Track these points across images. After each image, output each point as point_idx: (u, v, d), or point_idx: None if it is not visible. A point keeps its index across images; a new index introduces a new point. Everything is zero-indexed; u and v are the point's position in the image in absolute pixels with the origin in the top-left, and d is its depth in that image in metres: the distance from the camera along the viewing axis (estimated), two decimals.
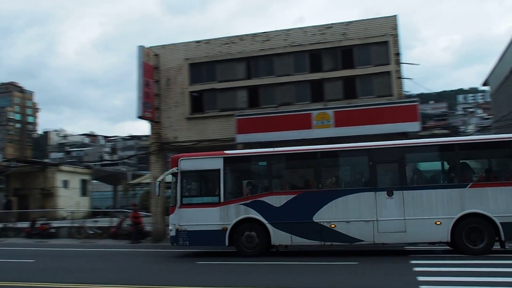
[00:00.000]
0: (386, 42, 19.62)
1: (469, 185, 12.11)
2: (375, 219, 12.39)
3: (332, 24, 20.58)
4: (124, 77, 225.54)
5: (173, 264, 13.01)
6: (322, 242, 12.80)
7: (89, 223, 24.21)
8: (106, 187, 52.17)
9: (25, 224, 24.24)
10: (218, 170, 13.78)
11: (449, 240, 11.96)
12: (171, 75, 22.56)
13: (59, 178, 37.58)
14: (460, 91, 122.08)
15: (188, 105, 22.18)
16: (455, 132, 32.91)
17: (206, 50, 22.21)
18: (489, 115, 53.00)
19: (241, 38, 21.85)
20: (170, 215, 14.07)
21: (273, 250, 13.68)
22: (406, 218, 12.17)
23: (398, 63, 19.35)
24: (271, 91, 21.24)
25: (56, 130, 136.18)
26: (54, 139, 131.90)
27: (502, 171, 12.84)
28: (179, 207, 13.86)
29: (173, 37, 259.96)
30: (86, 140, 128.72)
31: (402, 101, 18.84)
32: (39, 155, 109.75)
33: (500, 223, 11.51)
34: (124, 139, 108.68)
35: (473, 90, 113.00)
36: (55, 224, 24.88)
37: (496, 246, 12.11)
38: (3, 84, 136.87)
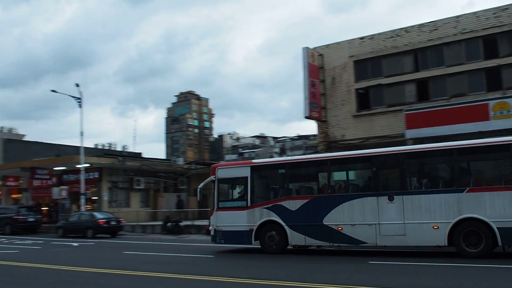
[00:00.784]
0: None
1: (466, 190, 12.18)
2: (377, 222, 12.97)
3: (508, 5, 19.36)
4: (290, 79, 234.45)
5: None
6: (331, 244, 13.91)
7: None
8: None
9: (205, 222, 26.91)
10: (246, 177, 15.45)
11: (446, 244, 12.11)
12: (336, 73, 23.47)
13: None
14: None
15: (354, 103, 22.87)
16: None
17: (371, 45, 22.66)
18: None
19: (406, 30, 21.85)
20: (210, 217, 16.06)
21: (290, 248, 14.92)
22: (405, 222, 12.61)
23: None
24: (441, 82, 20.86)
25: (229, 133, 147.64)
26: (228, 142, 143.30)
27: (499, 175, 12.61)
28: (216, 210, 15.75)
29: (335, 36, 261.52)
30: (257, 141, 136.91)
31: None
32: (216, 157, 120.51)
33: (497, 228, 11.48)
34: (292, 139, 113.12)
35: None
36: None
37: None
38: (182, 93, 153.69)
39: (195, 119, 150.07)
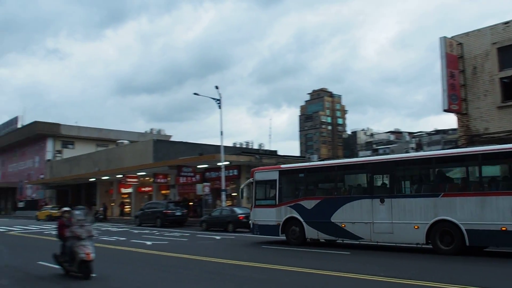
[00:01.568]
0: None
1: (441, 195, 13.69)
2: (371, 221, 15.06)
3: None
4: (424, 72, 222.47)
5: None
6: (337, 238, 16.53)
7: None
8: None
9: None
10: (275, 180, 18.37)
11: (425, 242, 13.86)
12: (478, 63, 22.24)
13: None
14: None
15: (499, 93, 21.50)
16: None
17: None
18: None
19: None
20: (250, 212, 19.56)
21: (308, 241, 17.46)
22: (393, 222, 14.51)
23: None
24: None
25: (363, 130, 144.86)
26: (361, 138, 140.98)
27: (470, 182, 13.96)
28: (254, 207, 19.02)
29: (473, 23, 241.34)
30: (391, 137, 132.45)
31: None
32: (349, 154, 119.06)
33: (465, 229, 12.94)
34: (429, 134, 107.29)
35: None
36: None
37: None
38: (314, 91, 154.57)
39: (328, 116, 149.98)
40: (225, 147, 32.72)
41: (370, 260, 13.30)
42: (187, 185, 37.42)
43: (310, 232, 16.92)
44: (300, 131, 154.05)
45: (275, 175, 18.56)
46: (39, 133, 60.24)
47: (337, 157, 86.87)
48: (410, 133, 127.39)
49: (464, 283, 8.90)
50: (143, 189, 43.50)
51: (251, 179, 19.67)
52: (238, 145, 68.59)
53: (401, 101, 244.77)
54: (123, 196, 47.23)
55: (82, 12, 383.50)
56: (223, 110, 31.68)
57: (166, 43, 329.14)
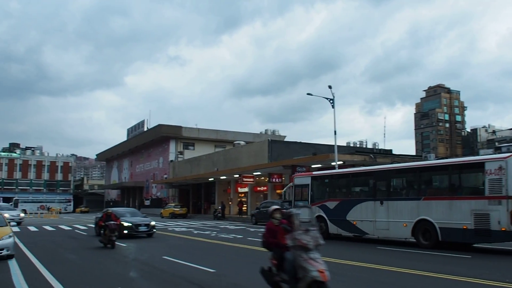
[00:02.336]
0: None
1: (422, 198, 16.60)
2: (374, 219, 18.14)
3: None
4: None
5: None
6: (351, 234, 19.70)
7: None
8: None
9: None
10: (308, 184, 21.90)
11: (411, 238, 16.86)
12: None
13: None
14: None
15: None
16: None
17: None
18: None
19: None
20: None
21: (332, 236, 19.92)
22: (389, 220, 17.51)
23: None
24: None
25: (484, 127, 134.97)
26: (482, 136, 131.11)
27: (442, 188, 17.19)
28: (295, 203, 22.30)
29: None
30: None
31: None
32: (469, 152, 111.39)
33: (439, 227, 15.72)
34: None
35: None
36: None
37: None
38: (430, 87, 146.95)
39: (445, 113, 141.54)
40: (339, 146, 32.43)
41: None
42: None
43: (332, 228, 20.20)
44: (415, 129, 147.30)
45: (308, 180, 22.17)
46: (163, 136, 64.38)
47: (456, 156, 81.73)
48: None
49: None
50: (258, 188, 44.55)
51: (291, 184, 23.83)
52: (351, 145, 67.53)
53: None
54: (240, 195, 48.73)
55: (200, 20, 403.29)
56: (336, 110, 31.43)
57: (279, 45, 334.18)
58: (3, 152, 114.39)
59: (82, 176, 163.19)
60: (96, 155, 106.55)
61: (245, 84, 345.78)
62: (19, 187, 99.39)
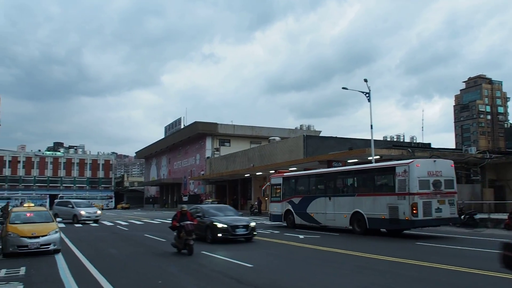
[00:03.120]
0: None
1: (356, 195, 21.00)
2: (325, 212, 22.55)
3: None
4: None
5: None
6: (311, 224, 23.99)
7: None
8: None
9: (503, 216, 24.68)
10: (280, 183, 26.82)
11: (349, 226, 21.04)
12: None
13: None
14: None
15: None
16: None
17: None
18: None
19: None
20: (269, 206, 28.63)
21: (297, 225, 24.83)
22: (335, 212, 21.97)
23: None
24: None
25: None
26: None
27: (368, 186, 20.87)
28: (270, 202, 27.74)
29: None
30: None
31: None
32: None
33: (367, 217, 19.88)
34: None
35: None
36: None
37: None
38: (470, 78, 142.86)
39: (486, 104, 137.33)
40: (375, 141, 32.12)
41: None
42: None
43: (297, 220, 24.82)
44: (455, 122, 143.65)
45: (280, 180, 27.13)
46: (199, 133, 65.23)
47: (498, 149, 79.30)
48: None
49: None
50: None
51: (268, 183, 29.60)
52: (388, 139, 66.40)
53: None
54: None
55: (233, 18, 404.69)
56: (372, 104, 31.14)
57: (313, 40, 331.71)
58: (48, 151, 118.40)
59: (122, 173, 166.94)
60: (135, 153, 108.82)
61: (279, 80, 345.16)
62: (64, 185, 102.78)
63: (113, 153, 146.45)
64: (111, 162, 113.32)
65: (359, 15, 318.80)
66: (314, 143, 42.07)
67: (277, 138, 53.19)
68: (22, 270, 11.62)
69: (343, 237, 19.90)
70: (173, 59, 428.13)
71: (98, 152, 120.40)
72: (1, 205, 66.97)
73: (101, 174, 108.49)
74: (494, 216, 25.19)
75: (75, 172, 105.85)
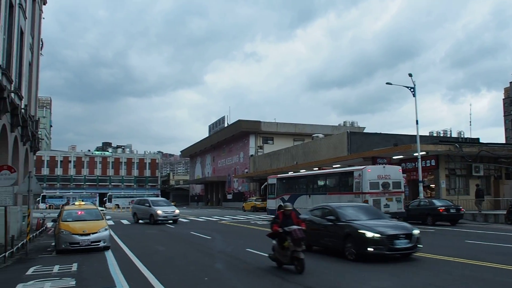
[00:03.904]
0: None
1: (327, 193, 26.51)
2: (306, 207, 24.17)
3: None
4: None
5: None
6: None
7: None
8: None
9: None
10: (275, 183, 32.82)
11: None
12: None
13: None
14: None
15: None
16: None
17: None
18: None
19: None
20: (266, 203, 35.58)
21: None
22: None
23: None
24: None
25: None
26: None
27: (335, 187, 26.37)
28: (267, 199, 34.07)
29: None
30: None
31: None
32: None
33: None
34: None
35: None
36: None
37: None
38: None
39: None
40: (421, 136, 31.33)
41: None
42: None
43: None
44: (504, 116, 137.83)
45: (275, 181, 33.21)
46: (242, 131, 65.55)
47: None
48: None
49: None
50: None
51: (266, 183, 35.32)
52: (434, 134, 64.68)
53: None
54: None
55: (274, 16, 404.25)
56: (416, 99, 30.36)
57: (355, 36, 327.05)
58: (97, 151, 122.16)
59: (168, 172, 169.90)
60: (181, 151, 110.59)
61: (321, 76, 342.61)
62: (112, 183, 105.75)
63: (159, 152, 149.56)
64: (157, 161, 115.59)
65: (401, 9, 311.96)
66: (358, 140, 41.46)
67: (321, 135, 52.76)
68: (74, 266, 12.04)
69: None
70: (215, 58, 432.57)
71: (144, 152, 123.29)
72: (60, 203, 69.44)
73: (147, 173, 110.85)
74: None
75: (123, 171, 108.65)
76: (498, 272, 10.22)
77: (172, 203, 33.61)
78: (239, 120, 67.39)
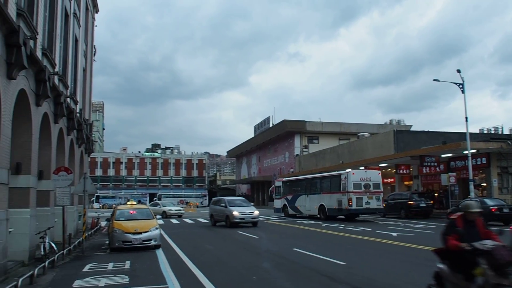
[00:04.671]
0: None
1: (321, 193, 32.01)
2: (305, 205, 33.62)
3: None
4: None
5: None
6: (298, 214, 34.92)
7: None
8: None
9: None
10: (280, 185, 38.82)
11: (318, 215, 31.44)
12: None
13: None
14: None
15: None
16: None
17: None
18: None
19: None
20: (274, 202, 42.11)
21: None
22: (310, 205, 32.98)
23: None
24: None
25: None
26: None
27: (327, 187, 31.73)
28: (274, 199, 40.65)
29: None
30: None
31: None
32: None
33: (327, 208, 30.15)
34: None
35: None
36: None
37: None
38: None
39: None
40: (471, 134, 30.33)
41: None
42: (431, 175, 35.95)
43: (290, 211, 35.89)
44: None
45: (280, 183, 39.16)
46: (288, 131, 65.48)
47: None
48: None
49: None
50: (385, 180, 43.28)
51: (273, 185, 42.34)
52: (485, 131, 62.31)
53: None
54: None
55: (317, 16, 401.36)
56: (465, 95, 29.28)
57: (399, 33, 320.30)
58: (147, 152, 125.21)
59: (215, 172, 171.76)
60: (227, 152, 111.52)
61: (365, 75, 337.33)
62: (161, 184, 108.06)
63: (205, 152, 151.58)
64: (204, 162, 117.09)
65: (447, 4, 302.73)
66: (405, 138, 40.54)
67: (366, 134, 51.94)
68: (127, 264, 12.42)
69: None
70: (259, 59, 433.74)
71: (192, 152, 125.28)
72: (113, 203, 71.52)
73: (195, 173, 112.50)
74: None
75: (171, 172, 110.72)
76: None
77: (252, 204, 30.00)
78: (284, 120, 67.32)
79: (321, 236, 19.85)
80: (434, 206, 32.71)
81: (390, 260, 12.53)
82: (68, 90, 19.67)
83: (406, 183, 40.74)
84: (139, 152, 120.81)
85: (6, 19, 10.11)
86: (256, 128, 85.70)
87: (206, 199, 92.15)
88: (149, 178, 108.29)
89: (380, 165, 39.25)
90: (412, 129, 60.51)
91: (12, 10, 11.05)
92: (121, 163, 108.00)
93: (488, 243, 5.91)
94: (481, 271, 5.70)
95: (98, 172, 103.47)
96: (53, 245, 14.23)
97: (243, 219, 25.68)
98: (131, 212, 17.59)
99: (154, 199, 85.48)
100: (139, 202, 39.24)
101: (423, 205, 30.26)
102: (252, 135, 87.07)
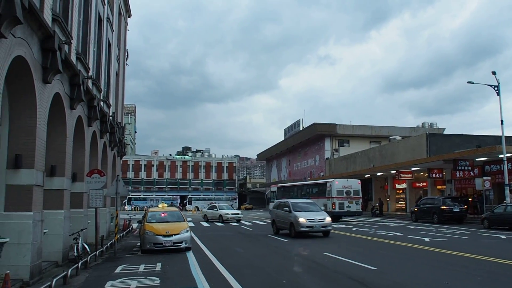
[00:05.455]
0: None
1: (310, 197, 34.70)
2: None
3: None
4: None
5: None
6: None
7: None
8: None
9: None
10: (275, 191, 48.40)
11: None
12: None
13: None
14: None
15: None
16: None
17: None
18: None
19: None
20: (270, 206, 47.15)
21: None
22: None
23: None
24: None
25: None
26: None
27: (314, 193, 37.66)
28: (270, 203, 48.13)
29: None
30: None
31: None
32: None
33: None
34: None
35: None
36: None
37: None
38: None
39: None
40: (506, 137, 29.40)
41: None
42: (465, 179, 35.02)
43: None
44: None
45: (275, 189, 47.14)
46: (318, 134, 65.04)
47: None
48: None
49: None
50: (417, 184, 42.49)
51: (269, 190, 52.37)
52: None
53: None
54: (397, 191, 47.04)
55: (347, 19, 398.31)
56: (501, 97, 28.44)
57: (431, 35, 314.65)
58: (178, 155, 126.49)
59: (245, 175, 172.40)
60: (257, 155, 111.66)
61: (396, 77, 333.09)
62: (192, 187, 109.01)
63: (236, 156, 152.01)
64: (234, 165, 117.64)
65: (481, 5, 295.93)
66: (437, 141, 39.67)
67: (398, 137, 51.09)
68: (158, 266, 12.51)
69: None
70: (290, 63, 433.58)
71: (222, 155, 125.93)
72: (145, 205, 72.46)
73: (225, 176, 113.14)
74: None
75: (202, 175, 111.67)
76: None
77: (322, 208, 25.86)
78: (314, 123, 66.92)
79: (351, 240, 19.55)
80: (468, 211, 31.83)
81: (422, 266, 12.19)
82: (101, 94, 20.03)
83: (438, 187, 39.83)
84: (170, 155, 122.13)
85: (42, 24, 10.33)
86: (286, 131, 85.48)
87: (236, 202, 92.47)
88: (180, 181, 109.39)
89: (412, 169, 38.52)
90: (445, 132, 59.24)
91: (47, 16, 11.30)
92: (152, 165, 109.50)
93: None
94: None
95: (130, 174, 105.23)
96: (86, 246, 14.46)
97: (311, 227, 20.89)
98: (162, 214, 17.73)
99: (185, 201, 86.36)
100: (171, 204, 39.60)
101: (456, 210, 29.42)
102: (282, 138, 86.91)
